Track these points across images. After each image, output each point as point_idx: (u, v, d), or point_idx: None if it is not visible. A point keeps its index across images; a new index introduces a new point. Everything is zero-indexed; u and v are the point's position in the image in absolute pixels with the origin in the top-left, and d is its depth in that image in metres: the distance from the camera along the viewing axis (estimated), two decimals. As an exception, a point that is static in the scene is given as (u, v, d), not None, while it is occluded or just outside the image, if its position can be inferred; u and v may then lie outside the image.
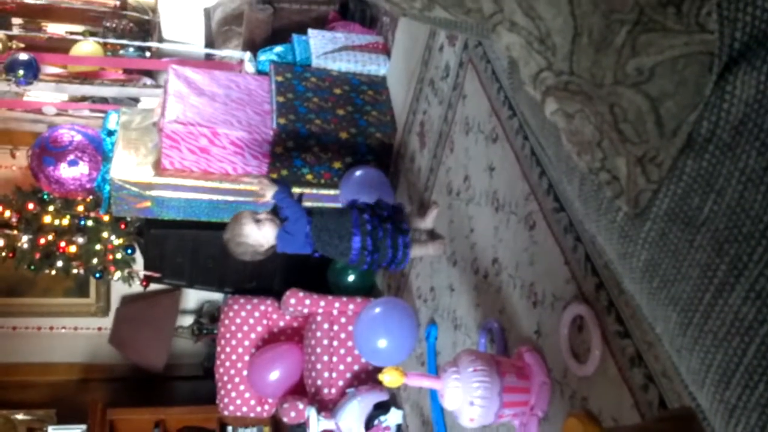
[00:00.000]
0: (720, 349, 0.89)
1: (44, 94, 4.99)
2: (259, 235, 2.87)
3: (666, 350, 1.03)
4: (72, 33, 5.61)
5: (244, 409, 4.24)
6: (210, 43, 5.14)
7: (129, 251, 4.70)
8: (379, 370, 2.28)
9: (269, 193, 2.95)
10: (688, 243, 0.93)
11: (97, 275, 4.72)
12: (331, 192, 3.75)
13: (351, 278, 4.14)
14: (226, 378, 4.22)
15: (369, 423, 3.53)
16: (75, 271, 4.66)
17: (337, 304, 3.85)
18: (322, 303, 3.84)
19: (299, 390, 4.01)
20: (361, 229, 2.92)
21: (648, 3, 0.91)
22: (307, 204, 3.25)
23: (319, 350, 3.80)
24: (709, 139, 0.92)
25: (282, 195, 2.93)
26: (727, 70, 0.91)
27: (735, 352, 0.87)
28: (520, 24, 1.05)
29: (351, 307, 3.84)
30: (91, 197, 4.42)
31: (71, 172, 3.80)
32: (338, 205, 3.50)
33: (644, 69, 0.94)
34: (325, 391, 3.76)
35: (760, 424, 0.83)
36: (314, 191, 3.78)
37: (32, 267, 4.60)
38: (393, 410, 3.56)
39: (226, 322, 4.23)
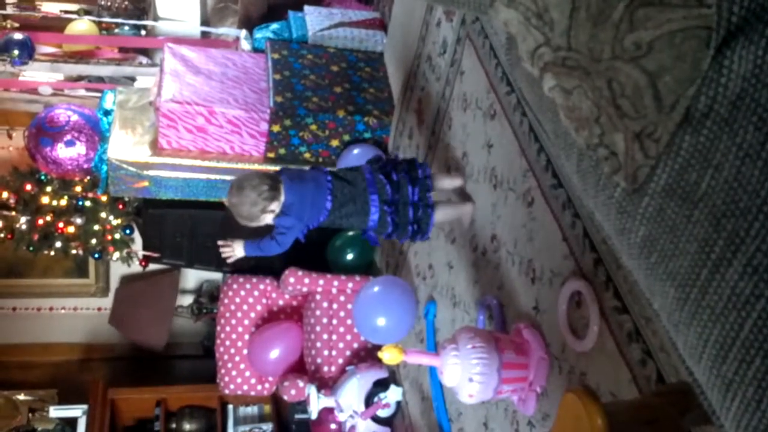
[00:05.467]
0: (717, 324, 0.89)
1: (40, 73, 4.96)
2: (256, 216, 2.59)
3: (664, 325, 1.03)
4: (66, 12, 5.57)
5: (245, 387, 4.27)
6: (206, 21, 5.10)
7: (127, 231, 4.70)
8: (378, 347, 2.29)
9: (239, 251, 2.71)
10: (686, 218, 0.93)
11: (96, 255, 4.73)
12: (329, 170, 3.74)
13: (350, 256, 4.14)
14: (226, 357, 4.24)
15: (369, 400, 3.56)
16: (74, 251, 4.66)
17: (336, 283, 3.86)
18: (321, 281, 3.85)
19: (299, 368, 4.03)
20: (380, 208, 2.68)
21: (646, -23, 0.91)
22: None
23: (318, 328, 3.81)
24: (707, 114, 0.92)
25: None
26: (725, 44, 0.90)
27: (732, 326, 0.87)
28: (517, -1, 1.04)
29: (350, 285, 3.85)
30: (88, 177, 4.41)
31: (68, 152, 3.78)
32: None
33: (642, 43, 0.93)
34: (325, 369, 3.78)
35: (756, 398, 0.84)
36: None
37: (31, 248, 4.60)
38: (392, 387, 3.58)
39: (226, 301, 4.25)
